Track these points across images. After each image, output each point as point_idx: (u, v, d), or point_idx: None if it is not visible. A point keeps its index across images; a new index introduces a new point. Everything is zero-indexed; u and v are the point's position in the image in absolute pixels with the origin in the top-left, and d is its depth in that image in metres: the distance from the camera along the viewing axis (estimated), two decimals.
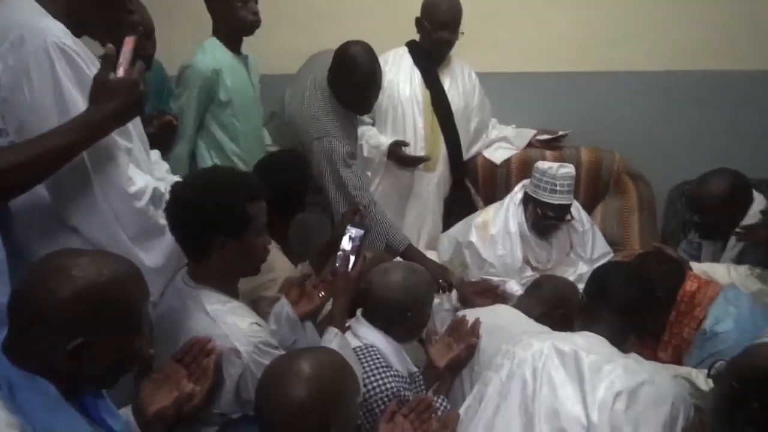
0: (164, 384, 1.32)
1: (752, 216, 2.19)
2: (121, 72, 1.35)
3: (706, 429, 1.36)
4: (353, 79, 2.33)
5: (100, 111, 1.32)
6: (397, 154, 2.78)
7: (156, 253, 1.50)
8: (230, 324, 1.42)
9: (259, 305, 1.77)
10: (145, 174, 1.52)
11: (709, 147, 2.94)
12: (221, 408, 1.40)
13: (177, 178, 1.63)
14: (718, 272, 2.08)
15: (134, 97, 1.36)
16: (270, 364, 1.34)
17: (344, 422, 1.28)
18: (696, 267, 2.12)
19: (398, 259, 2.32)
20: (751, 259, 2.16)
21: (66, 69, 1.35)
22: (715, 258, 2.31)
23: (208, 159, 2.45)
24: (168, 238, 1.50)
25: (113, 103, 1.33)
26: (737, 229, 2.19)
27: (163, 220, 1.49)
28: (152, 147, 1.76)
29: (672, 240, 2.83)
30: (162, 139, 2.35)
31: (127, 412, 1.27)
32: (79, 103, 1.36)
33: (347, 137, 2.42)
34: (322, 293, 1.74)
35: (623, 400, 1.40)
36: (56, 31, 1.35)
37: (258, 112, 2.60)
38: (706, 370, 1.48)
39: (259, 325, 1.48)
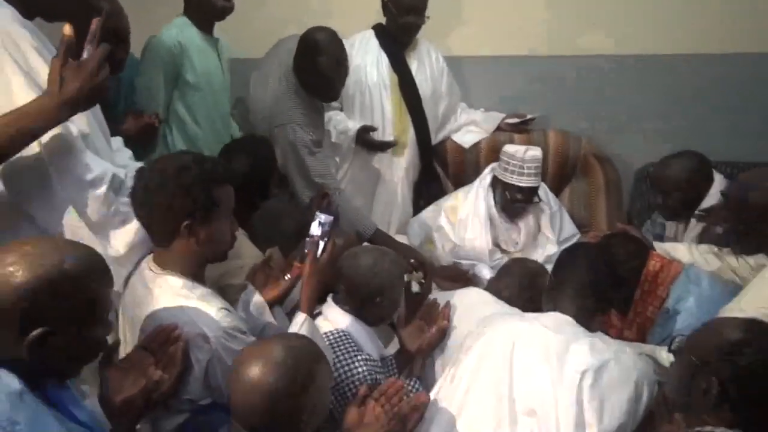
0: (131, 372, 1.30)
1: (713, 196, 2.25)
2: (85, 54, 1.30)
3: (669, 403, 1.40)
4: (319, 66, 2.31)
5: (58, 96, 1.28)
6: (365, 140, 2.77)
7: (117, 242, 1.47)
8: (198, 310, 1.41)
9: (227, 292, 1.76)
10: (104, 161, 1.48)
11: (673, 130, 3.00)
12: (190, 394, 1.39)
13: (140, 164, 1.59)
14: (680, 251, 2.13)
15: (95, 82, 1.31)
16: (243, 351, 1.33)
17: (316, 409, 1.29)
18: (659, 247, 2.17)
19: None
20: (711, 238, 2.22)
21: (11, 54, 1.30)
22: (678, 238, 2.37)
23: (170, 140, 2.41)
24: (131, 226, 1.48)
25: (72, 87, 1.28)
26: (697, 212, 2.24)
27: (124, 208, 1.46)
28: (134, 148, 1.72)
29: (637, 221, 2.88)
30: (144, 140, 2.30)
31: (93, 402, 1.26)
32: (24, 89, 1.31)
33: (312, 125, 2.40)
34: (288, 276, 1.73)
35: (589, 378, 1.43)
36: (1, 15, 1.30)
37: (227, 97, 2.56)
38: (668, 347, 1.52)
39: (228, 311, 1.47)
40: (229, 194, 1.48)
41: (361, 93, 2.79)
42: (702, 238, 2.26)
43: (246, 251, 1.89)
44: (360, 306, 1.80)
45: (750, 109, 3.01)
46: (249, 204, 2.01)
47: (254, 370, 1.24)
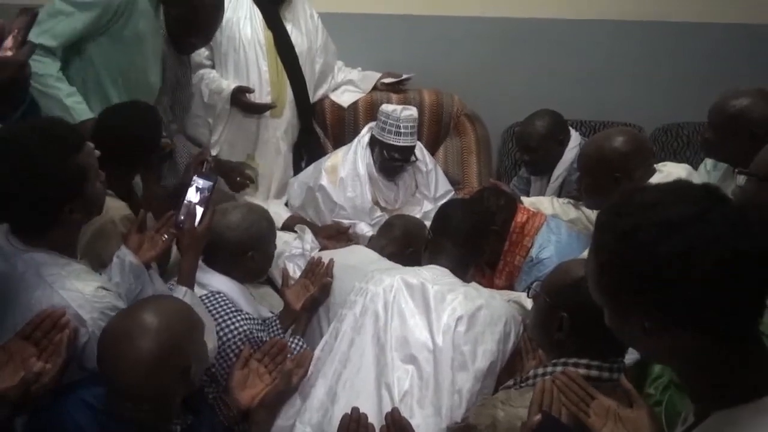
0: (9, 363, 1.19)
1: (571, 150, 2.46)
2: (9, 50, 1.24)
3: (532, 342, 1.55)
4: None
5: None
6: (241, 102, 2.68)
7: None
8: (71, 290, 1.31)
9: (102, 254, 1.65)
10: None
11: (536, 90, 3.18)
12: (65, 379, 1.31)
13: None
14: (544, 204, 2.31)
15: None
16: (113, 322, 1.27)
17: (198, 360, 1.29)
18: (526, 200, 2.34)
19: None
20: (570, 191, 2.43)
21: None
22: (542, 192, 2.57)
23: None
24: None
25: None
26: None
27: None
28: None
29: (505, 177, 3.08)
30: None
31: None
32: None
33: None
34: (165, 236, 1.67)
35: (464, 323, 1.55)
36: None
37: (158, 70, 2.29)
38: None
39: (106, 289, 1.38)
40: (90, 154, 1.38)
41: (235, 50, 2.69)
42: (561, 191, 2.47)
43: (109, 204, 1.78)
44: (231, 263, 1.79)
45: (607, 74, 3.26)
46: (126, 172, 1.88)
47: (128, 339, 1.20)
